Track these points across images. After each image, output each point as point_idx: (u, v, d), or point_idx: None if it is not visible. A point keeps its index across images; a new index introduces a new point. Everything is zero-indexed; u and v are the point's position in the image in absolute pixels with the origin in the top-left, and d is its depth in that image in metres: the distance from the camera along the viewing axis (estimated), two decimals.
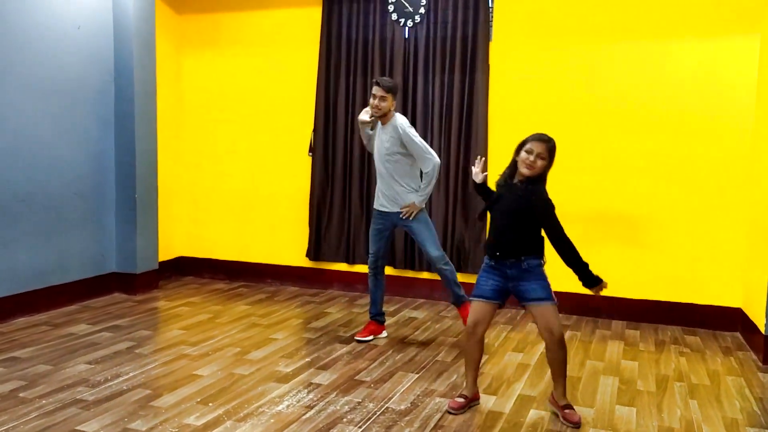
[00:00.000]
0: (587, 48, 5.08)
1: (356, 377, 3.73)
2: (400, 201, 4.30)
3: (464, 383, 3.41)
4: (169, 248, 6.25)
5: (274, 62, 6.00)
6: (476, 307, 3.24)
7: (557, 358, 3.18)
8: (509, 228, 3.20)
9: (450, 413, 3.24)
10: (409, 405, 3.34)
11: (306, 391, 3.50)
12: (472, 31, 5.27)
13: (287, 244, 6.05)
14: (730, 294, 4.84)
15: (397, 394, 3.48)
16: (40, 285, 4.95)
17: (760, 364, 4.11)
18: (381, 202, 4.37)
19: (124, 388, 3.48)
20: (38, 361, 3.85)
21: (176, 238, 6.39)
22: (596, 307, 5.12)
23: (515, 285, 3.20)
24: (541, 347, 4.35)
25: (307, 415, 3.18)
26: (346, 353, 4.16)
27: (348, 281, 5.85)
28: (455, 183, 5.39)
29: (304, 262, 6.00)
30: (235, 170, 6.21)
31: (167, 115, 6.14)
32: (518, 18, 5.23)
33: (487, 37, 5.26)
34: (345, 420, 3.14)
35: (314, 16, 5.79)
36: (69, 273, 5.20)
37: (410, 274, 5.64)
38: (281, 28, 5.95)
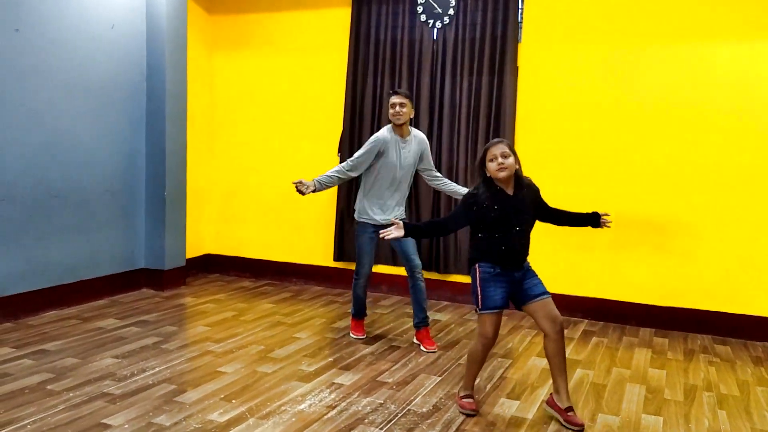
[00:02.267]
0: (617, 50, 5.01)
1: (378, 378, 3.72)
2: (402, 209, 4.41)
3: (464, 384, 3.37)
4: (197, 245, 6.33)
5: (303, 62, 6.04)
6: (494, 320, 3.19)
7: (560, 348, 3.15)
8: (524, 235, 3.23)
9: (471, 415, 3.23)
10: (431, 408, 3.33)
11: (328, 391, 3.51)
12: (501, 33, 5.23)
13: (313, 243, 6.07)
14: (762, 303, 4.72)
15: (419, 397, 3.47)
16: (71, 279, 5.04)
17: None
18: (395, 214, 4.33)
19: (150, 382, 3.53)
20: (66, 354, 3.93)
21: (205, 235, 6.46)
22: (624, 313, 5.05)
23: (519, 287, 3.21)
24: (567, 353, 4.31)
25: (329, 415, 3.19)
26: (369, 354, 4.16)
27: (372, 282, 5.84)
28: None
29: (330, 262, 6.02)
30: (264, 170, 6.26)
31: (199, 114, 6.21)
32: (548, 20, 5.18)
33: (516, 39, 5.22)
34: (366, 421, 3.13)
35: (343, 16, 5.80)
36: (99, 268, 5.30)
37: (435, 276, 5.62)
38: (311, 29, 5.98)
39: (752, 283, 4.74)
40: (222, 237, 6.50)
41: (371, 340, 4.46)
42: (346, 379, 3.70)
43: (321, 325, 4.84)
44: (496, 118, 5.28)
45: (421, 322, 4.38)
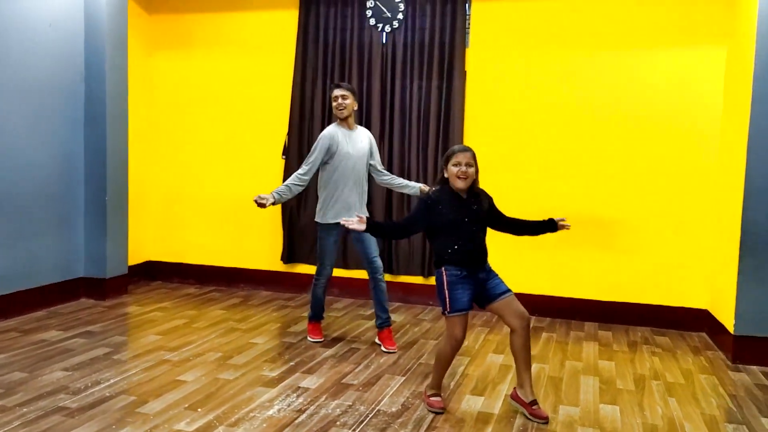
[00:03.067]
0: (561, 56, 5.21)
1: (343, 381, 3.72)
2: (364, 206, 4.44)
3: (432, 383, 3.41)
4: (137, 252, 6.12)
5: (248, 64, 5.96)
6: (463, 321, 3.24)
7: (526, 343, 3.26)
8: (479, 235, 3.34)
9: (439, 413, 3.28)
10: (399, 407, 3.36)
11: (295, 395, 3.48)
12: (449, 38, 5.34)
13: (261, 247, 6.00)
14: (697, 296, 5.02)
15: (387, 397, 3.49)
16: (7, 290, 4.78)
17: (729, 362, 4.27)
18: (353, 213, 4.35)
19: (107, 394, 3.39)
20: (12, 369, 3.72)
21: (145, 242, 6.26)
22: (569, 309, 5.24)
23: (483, 287, 3.30)
24: None
25: (300, 419, 3.16)
26: (330, 357, 4.16)
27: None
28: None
29: (278, 266, 5.95)
30: (208, 173, 6.13)
31: (137, 116, 6.02)
32: (494, 26, 5.33)
33: (464, 44, 5.34)
34: (339, 423, 3.13)
35: (290, 18, 5.77)
36: (36, 278, 5.04)
37: (387, 278, 5.65)
38: (256, 30, 5.91)
39: (687, 278, 5.02)
40: (164, 243, 6.31)
41: (330, 343, 4.45)
42: (311, 382, 3.68)
43: (276, 329, 4.79)
44: (446, 122, 5.38)
45: (384, 323, 4.40)
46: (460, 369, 4.00)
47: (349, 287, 5.72)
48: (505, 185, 5.12)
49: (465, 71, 5.36)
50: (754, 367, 4.19)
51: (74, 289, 5.40)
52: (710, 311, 4.90)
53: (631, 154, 5.11)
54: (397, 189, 4.60)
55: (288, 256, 5.82)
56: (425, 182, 5.44)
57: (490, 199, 3.46)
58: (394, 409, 3.33)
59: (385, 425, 3.13)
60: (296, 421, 3.14)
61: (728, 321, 4.36)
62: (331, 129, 4.33)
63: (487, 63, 5.37)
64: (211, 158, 6.11)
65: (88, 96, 5.38)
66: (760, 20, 4.10)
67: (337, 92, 4.31)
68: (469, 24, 5.35)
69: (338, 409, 3.30)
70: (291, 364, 4.00)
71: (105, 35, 5.32)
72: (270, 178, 5.91)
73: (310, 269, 5.84)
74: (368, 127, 5.29)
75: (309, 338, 4.53)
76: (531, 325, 4.98)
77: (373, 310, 4.45)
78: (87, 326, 4.66)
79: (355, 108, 4.39)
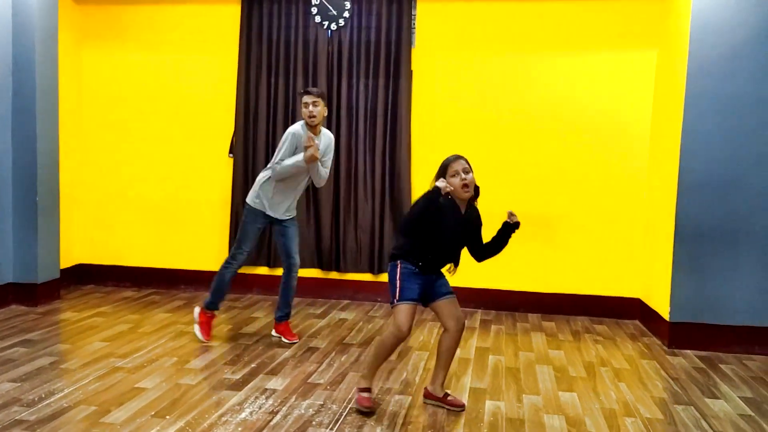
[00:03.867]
0: (502, 58, 5.38)
1: (309, 380, 3.71)
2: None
3: (366, 374, 3.35)
4: (67, 255, 5.82)
5: (187, 59, 5.79)
6: (410, 311, 3.22)
7: (455, 346, 3.34)
8: (458, 247, 3.35)
9: (366, 413, 3.22)
10: (371, 404, 3.38)
11: (264, 397, 3.44)
12: (395, 37, 5.40)
13: (204, 248, 5.85)
14: (629, 286, 5.33)
15: (357, 395, 3.51)
16: None
17: (666, 348, 4.57)
18: (289, 213, 4.37)
19: (65, 405, 3.23)
20: None
21: (76, 244, 5.97)
22: (513, 302, 5.44)
23: (431, 286, 3.32)
24: (474, 341, 4.58)
25: (275, 421, 3.14)
26: (290, 357, 4.13)
27: (268, 285, 5.75)
28: (381, 186, 5.48)
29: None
30: (145, 172, 5.91)
31: (67, 112, 5.72)
32: (439, 26, 5.43)
33: (410, 44, 5.42)
34: (314, 423, 3.13)
35: (233, 13, 5.65)
36: None
37: (335, 276, 5.67)
38: (196, 25, 5.75)
39: (620, 269, 5.33)
40: (97, 245, 6.04)
41: (286, 344, 4.41)
42: (277, 383, 3.65)
43: (228, 331, 4.70)
44: (393, 121, 5.44)
45: (285, 316, 4.44)
46: (422, 363, 4.08)
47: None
48: None
49: (411, 71, 5.43)
50: (689, 351, 4.51)
51: (3, 296, 5.08)
52: (642, 300, 5.22)
53: (567, 153, 5.35)
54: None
55: None
56: (373, 182, 5.49)
57: (481, 222, 3.39)
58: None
59: (362, 422, 3.16)
60: (271, 423, 3.11)
61: (663, 309, 4.66)
62: (298, 128, 4.21)
63: (432, 63, 5.47)
64: (149, 157, 5.89)
65: (16, 91, 5.07)
66: (693, 25, 4.39)
67: (307, 99, 4.18)
68: (414, 24, 5.42)
69: (311, 409, 3.30)
70: (252, 366, 3.94)
71: (35, 25, 5.02)
72: (215, 176, 5.78)
73: (257, 269, 5.77)
74: None
75: (198, 334, 4.37)
76: (479, 319, 5.19)
77: (279, 305, 4.45)
78: (24, 334, 4.41)
79: (325, 114, 4.29)
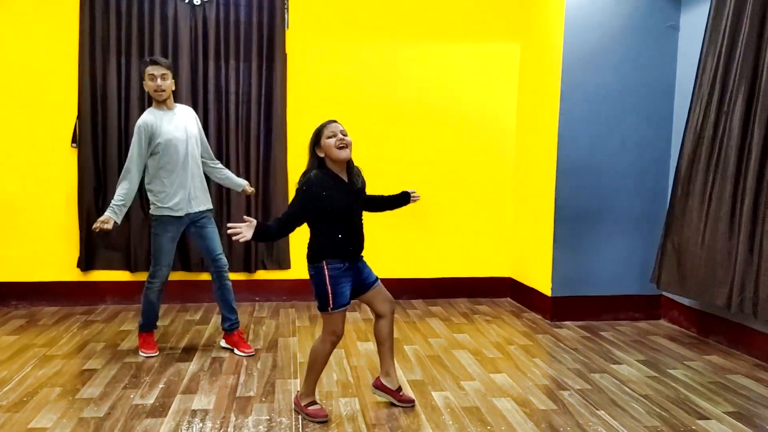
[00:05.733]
0: (376, 43, 5.31)
1: (238, 394, 3.33)
2: (207, 193, 4.05)
3: (306, 390, 3.09)
4: None
5: (12, 35, 4.83)
6: (344, 315, 3.05)
7: (392, 329, 3.22)
8: (360, 223, 3.15)
9: (324, 422, 3.00)
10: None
11: (198, 420, 3.01)
12: (268, 17, 5.04)
13: (45, 256, 4.97)
14: (500, 266, 5.62)
15: None
16: None
17: (548, 321, 4.89)
18: (198, 202, 3.93)
19: None
20: None
21: None
22: (397, 290, 5.41)
23: (359, 279, 3.13)
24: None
25: None
26: (198, 371, 3.67)
27: (126, 293, 5.08)
28: (256, 177, 5.11)
29: (66, 276, 5.00)
30: None
31: None
32: (313, 7, 5.19)
33: (284, 25, 5.10)
34: None
35: None
36: None
37: (206, 277, 5.16)
38: None
39: (492, 251, 5.59)
40: None
41: (184, 356, 3.92)
42: (203, 402, 3.21)
43: (103, 350, 4.04)
44: (267, 105, 5.09)
45: (234, 325, 4.04)
46: (344, 362, 3.88)
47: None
48: None
49: (285, 54, 5.12)
50: (569, 322, 4.87)
51: None
52: (514, 278, 5.54)
53: (437, 142, 5.45)
54: (221, 182, 4.25)
55: (87, 264, 4.93)
56: (248, 170, 5.11)
57: (363, 178, 3.17)
58: None
59: (324, 431, 2.91)
60: None
61: (545, 285, 4.98)
62: (147, 116, 3.78)
63: (307, 46, 5.21)
64: None
65: None
66: (567, 22, 4.71)
67: (154, 71, 3.75)
68: (287, 4, 5.11)
69: (261, 426, 2.95)
70: (160, 386, 3.43)
71: None
72: (56, 170, 4.95)
73: (111, 275, 5.05)
74: None
75: (141, 352, 3.93)
76: (367, 310, 5.09)
77: (223, 315, 4.02)
78: None
79: (174, 89, 3.90)
